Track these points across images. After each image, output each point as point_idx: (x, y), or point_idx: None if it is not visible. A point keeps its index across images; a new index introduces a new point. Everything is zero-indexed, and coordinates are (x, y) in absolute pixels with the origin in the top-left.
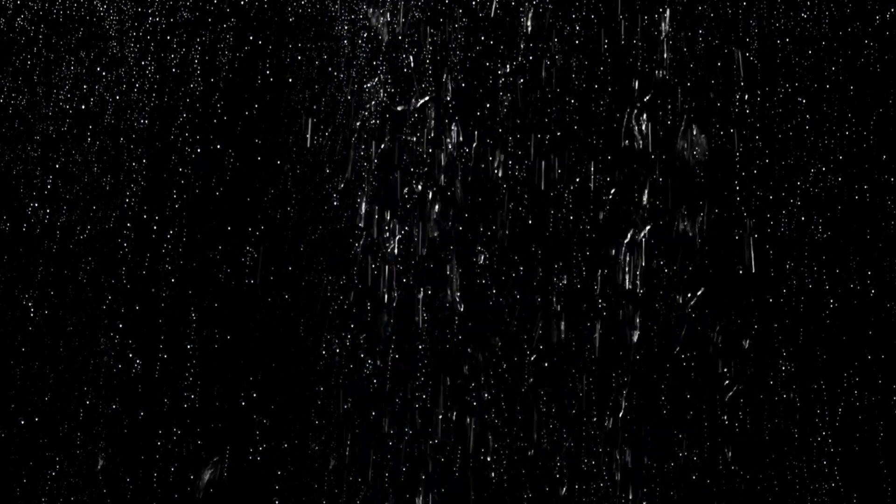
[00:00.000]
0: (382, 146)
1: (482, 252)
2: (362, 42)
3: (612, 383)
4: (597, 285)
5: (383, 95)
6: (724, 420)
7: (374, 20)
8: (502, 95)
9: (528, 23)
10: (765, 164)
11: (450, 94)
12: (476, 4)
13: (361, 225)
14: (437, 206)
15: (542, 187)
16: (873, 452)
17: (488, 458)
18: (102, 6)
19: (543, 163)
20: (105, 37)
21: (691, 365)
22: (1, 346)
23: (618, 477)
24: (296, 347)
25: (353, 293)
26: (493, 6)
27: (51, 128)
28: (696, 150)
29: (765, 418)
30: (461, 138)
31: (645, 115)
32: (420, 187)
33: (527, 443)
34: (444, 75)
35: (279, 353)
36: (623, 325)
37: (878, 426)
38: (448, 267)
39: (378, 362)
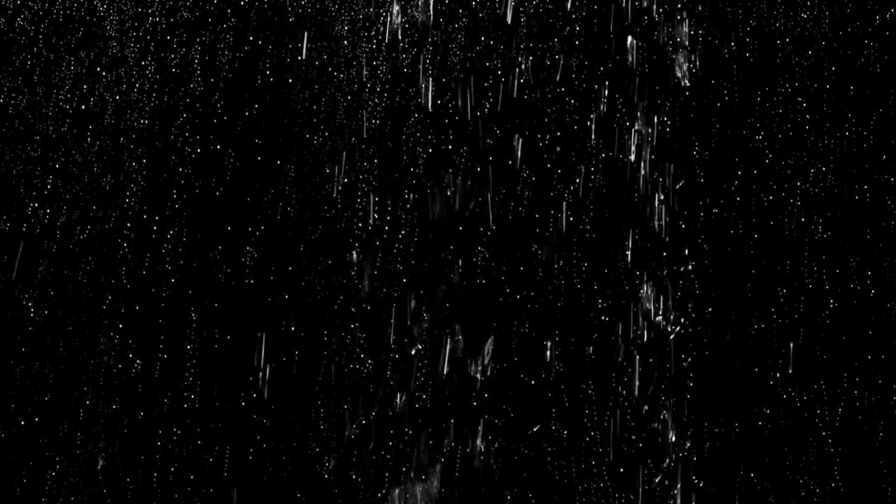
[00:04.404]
0: (383, 147)
1: (481, 252)
2: (362, 42)
3: (613, 383)
4: (596, 285)
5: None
6: (723, 420)
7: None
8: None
9: (529, 22)
10: (765, 164)
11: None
12: (476, 4)
13: (361, 225)
14: (436, 207)
15: (543, 187)
16: (873, 452)
17: (490, 459)
18: (102, 6)
19: (543, 162)
20: (105, 37)
21: (690, 365)
22: (1, 346)
23: (617, 477)
24: (296, 347)
25: (353, 293)
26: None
27: (51, 128)
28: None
29: (765, 418)
30: (460, 137)
31: (644, 115)
32: (419, 187)
33: (528, 443)
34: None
35: (279, 352)
36: (622, 325)
37: (878, 426)
38: (447, 266)
39: (378, 362)
